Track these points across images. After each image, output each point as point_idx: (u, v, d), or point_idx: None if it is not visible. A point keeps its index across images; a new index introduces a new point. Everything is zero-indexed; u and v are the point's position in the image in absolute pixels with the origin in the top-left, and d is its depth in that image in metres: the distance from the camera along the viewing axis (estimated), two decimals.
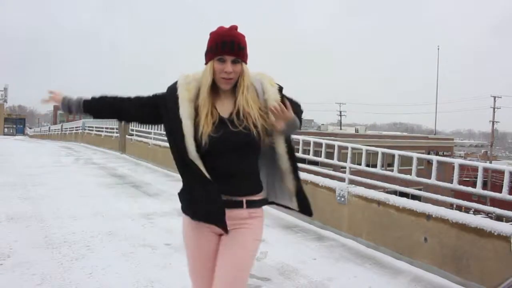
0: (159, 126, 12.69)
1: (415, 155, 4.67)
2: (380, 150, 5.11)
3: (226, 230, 1.65)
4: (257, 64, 1.69)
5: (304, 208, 1.82)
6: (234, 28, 1.68)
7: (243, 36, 1.68)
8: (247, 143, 1.64)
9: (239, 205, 1.67)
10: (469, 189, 4.22)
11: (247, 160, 1.68)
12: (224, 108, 1.68)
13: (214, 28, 1.72)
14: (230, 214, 1.64)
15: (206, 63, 1.68)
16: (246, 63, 1.69)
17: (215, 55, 1.64)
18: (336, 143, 5.87)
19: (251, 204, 1.69)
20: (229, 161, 1.64)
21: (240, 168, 1.67)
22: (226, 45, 1.62)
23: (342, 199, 5.08)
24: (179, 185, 1.77)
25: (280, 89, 1.71)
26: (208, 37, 1.69)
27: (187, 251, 1.80)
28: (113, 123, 17.83)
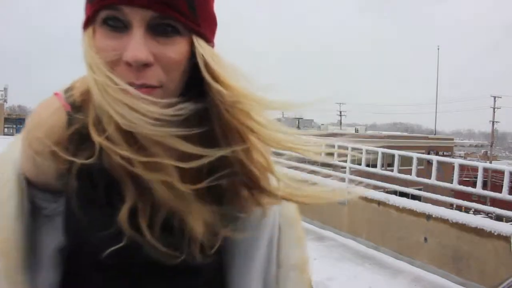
0: None
1: (415, 155, 4.68)
2: (380, 150, 5.13)
3: None
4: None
5: None
6: None
7: None
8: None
9: None
10: (469, 189, 4.23)
11: None
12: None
13: None
14: None
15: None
16: (209, 39, 0.59)
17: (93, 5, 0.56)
18: (336, 143, 5.86)
19: None
20: None
21: None
22: None
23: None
24: None
25: None
26: None
27: None
28: None
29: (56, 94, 0.62)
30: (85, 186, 0.59)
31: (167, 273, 0.64)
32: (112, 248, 0.58)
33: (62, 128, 0.59)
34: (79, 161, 0.57)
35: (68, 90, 0.62)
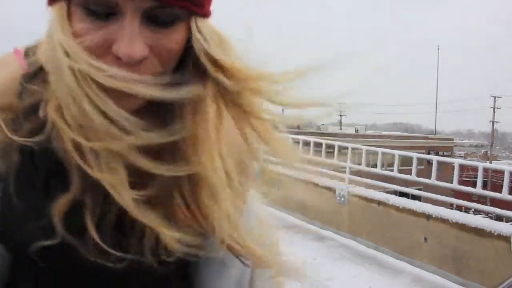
0: None
1: (415, 155, 4.69)
2: (380, 150, 5.13)
3: None
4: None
5: None
6: None
7: None
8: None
9: None
10: (469, 189, 4.23)
11: None
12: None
13: None
14: None
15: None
16: (208, 13, 0.48)
17: None
18: (336, 143, 5.88)
19: None
20: None
21: None
22: None
23: (342, 199, 5.08)
24: None
25: None
26: None
27: None
28: None
29: (16, 51, 0.52)
30: (28, 165, 0.48)
31: (111, 281, 0.51)
32: (41, 244, 0.46)
33: (14, 93, 0.49)
34: (19, 139, 0.46)
35: (31, 49, 0.51)
